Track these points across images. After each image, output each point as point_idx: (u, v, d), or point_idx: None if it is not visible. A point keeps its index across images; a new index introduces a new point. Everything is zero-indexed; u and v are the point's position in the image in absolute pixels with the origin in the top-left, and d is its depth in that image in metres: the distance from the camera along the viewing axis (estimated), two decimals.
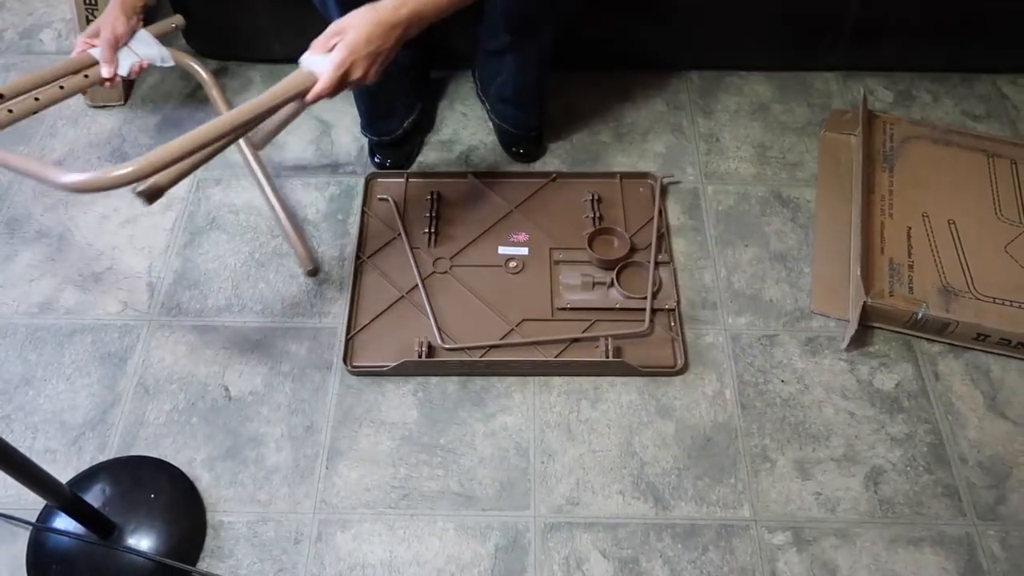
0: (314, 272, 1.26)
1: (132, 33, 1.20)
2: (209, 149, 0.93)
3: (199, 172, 1.41)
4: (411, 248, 1.29)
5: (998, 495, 1.08)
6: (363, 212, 1.34)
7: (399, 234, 1.31)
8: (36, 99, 1.12)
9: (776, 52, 1.54)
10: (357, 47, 0.91)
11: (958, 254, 1.24)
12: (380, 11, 0.91)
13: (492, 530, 1.05)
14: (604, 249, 1.28)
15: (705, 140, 1.46)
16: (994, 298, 1.19)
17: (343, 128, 1.47)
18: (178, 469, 1.09)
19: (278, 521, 1.06)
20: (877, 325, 1.22)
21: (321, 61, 0.92)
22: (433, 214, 1.33)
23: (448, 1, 0.95)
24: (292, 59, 1.60)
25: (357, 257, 1.28)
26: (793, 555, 1.04)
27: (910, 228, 1.28)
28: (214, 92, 1.38)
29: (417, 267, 1.27)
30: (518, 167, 1.42)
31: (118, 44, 1.18)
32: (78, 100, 1.52)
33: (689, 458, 1.11)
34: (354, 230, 1.32)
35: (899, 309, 1.18)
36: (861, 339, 1.21)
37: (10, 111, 1.09)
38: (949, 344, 1.21)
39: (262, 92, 0.96)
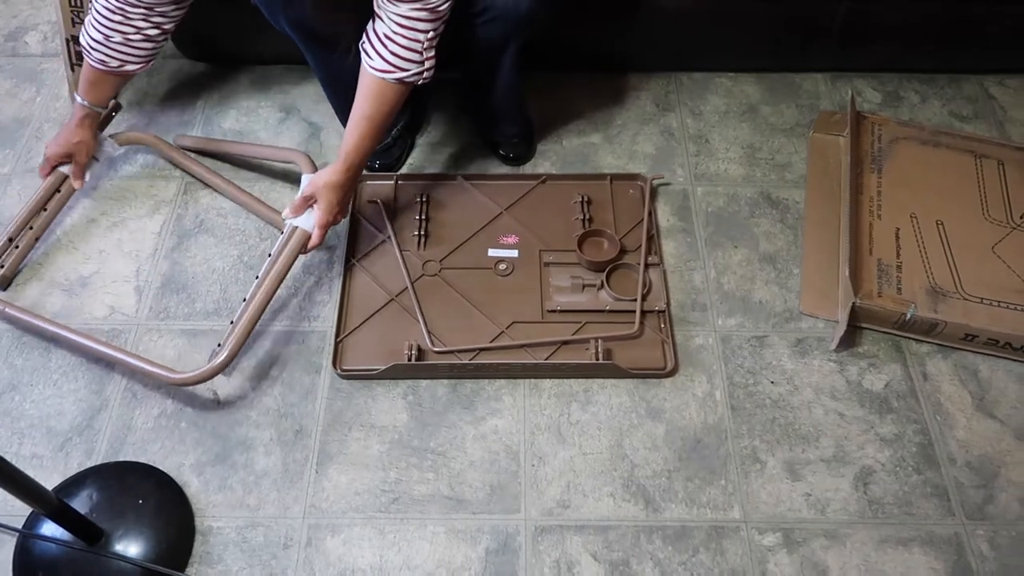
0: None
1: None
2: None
3: (187, 176, 1.40)
4: (401, 251, 1.28)
5: (986, 495, 1.08)
6: (353, 215, 1.33)
7: (388, 237, 1.30)
8: (31, 227, 1.29)
9: (765, 54, 1.54)
10: (331, 206, 1.17)
11: (946, 255, 1.25)
12: (335, 175, 1.16)
13: (483, 533, 1.05)
14: (594, 251, 1.28)
15: (694, 142, 1.46)
16: (982, 298, 1.20)
17: (332, 130, 1.46)
18: (166, 474, 1.08)
19: (267, 526, 1.06)
20: (866, 326, 1.23)
21: (307, 219, 1.17)
22: (423, 216, 1.32)
23: (376, 136, 1.16)
24: (278, 60, 1.59)
25: (347, 260, 1.28)
26: (783, 556, 1.04)
27: (898, 229, 1.28)
28: (172, 154, 1.41)
29: (407, 270, 1.26)
30: (508, 169, 1.42)
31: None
32: (64, 101, 1.52)
33: (679, 460, 1.11)
34: (344, 233, 1.32)
35: (888, 310, 1.19)
36: (850, 340, 1.21)
37: (16, 246, 1.28)
38: (938, 344, 1.21)
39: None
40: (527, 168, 1.42)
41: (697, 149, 1.45)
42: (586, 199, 1.35)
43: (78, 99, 1.28)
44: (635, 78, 1.55)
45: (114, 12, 1.17)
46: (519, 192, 1.37)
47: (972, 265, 1.23)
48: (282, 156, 1.35)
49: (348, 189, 1.19)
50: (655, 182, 1.38)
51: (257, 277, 1.18)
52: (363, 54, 1.10)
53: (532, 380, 1.18)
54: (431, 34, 1.07)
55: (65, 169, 1.31)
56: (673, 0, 1.42)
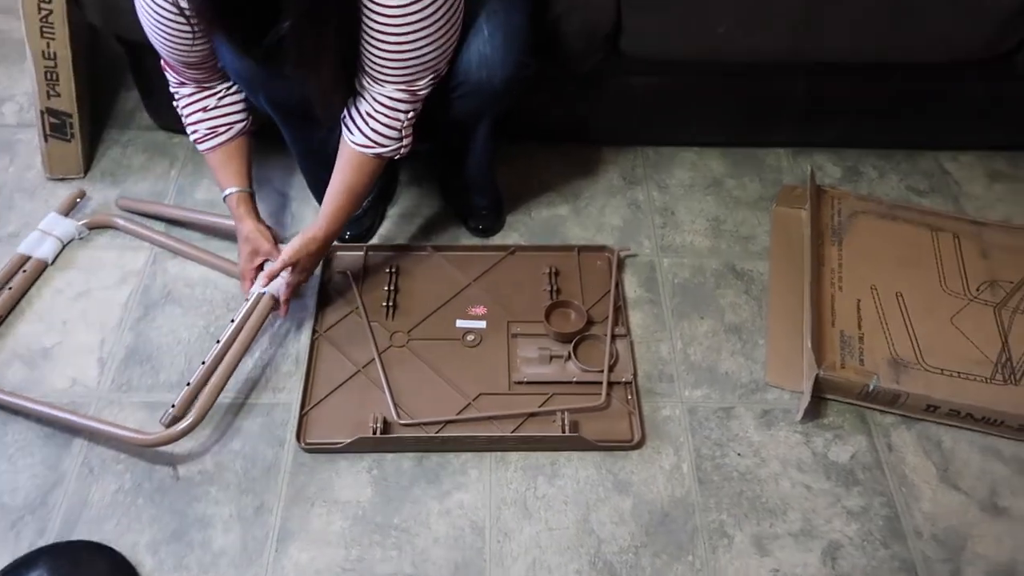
0: None
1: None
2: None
3: (156, 247, 1.40)
4: (369, 322, 1.28)
5: (953, 568, 1.08)
6: (321, 285, 1.34)
7: (357, 307, 1.31)
8: (10, 288, 1.32)
9: (728, 129, 1.59)
10: (304, 271, 1.23)
11: (906, 326, 1.27)
12: (313, 242, 1.20)
13: None
14: (561, 322, 1.29)
15: (661, 214, 1.49)
16: (942, 369, 1.21)
17: (303, 202, 1.48)
18: (120, 554, 1.05)
19: None
20: (830, 397, 1.24)
21: (274, 284, 1.22)
22: (392, 287, 1.33)
23: (353, 205, 1.20)
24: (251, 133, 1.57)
25: (313, 332, 1.28)
26: None
27: (859, 300, 1.31)
28: (139, 230, 1.42)
29: (375, 341, 1.26)
30: (477, 240, 1.43)
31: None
32: (37, 171, 1.52)
33: (647, 535, 1.10)
34: (312, 304, 1.32)
35: (851, 381, 1.20)
36: (815, 411, 1.22)
37: None
38: (901, 415, 1.22)
39: None
40: (496, 239, 1.44)
41: (663, 221, 1.48)
42: (554, 270, 1.36)
43: (225, 194, 1.26)
44: (603, 151, 1.59)
45: (188, 95, 1.22)
46: (488, 263, 1.38)
47: (932, 336, 1.26)
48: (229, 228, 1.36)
49: (321, 255, 1.24)
50: (622, 254, 1.40)
51: (218, 341, 1.18)
52: (344, 129, 1.14)
53: (499, 453, 1.17)
54: (411, 114, 1.11)
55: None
56: (639, 77, 1.47)
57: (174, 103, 1.25)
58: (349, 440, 1.14)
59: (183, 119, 1.25)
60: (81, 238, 1.41)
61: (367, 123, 1.11)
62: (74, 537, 1.07)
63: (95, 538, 1.07)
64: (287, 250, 1.19)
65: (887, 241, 1.40)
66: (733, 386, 1.26)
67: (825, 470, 1.17)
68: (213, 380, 1.15)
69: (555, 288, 1.34)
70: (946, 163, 1.60)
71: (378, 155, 1.14)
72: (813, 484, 1.15)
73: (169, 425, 1.13)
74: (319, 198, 1.41)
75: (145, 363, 1.25)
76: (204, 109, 1.23)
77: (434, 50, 1.03)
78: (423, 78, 1.07)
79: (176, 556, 1.06)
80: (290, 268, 1.20)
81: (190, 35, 1.09)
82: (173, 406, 1.13)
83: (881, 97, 1.51)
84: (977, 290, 1.32)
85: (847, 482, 1.16)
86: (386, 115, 1.10)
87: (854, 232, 1.41)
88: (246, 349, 1.19)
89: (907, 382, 1.20)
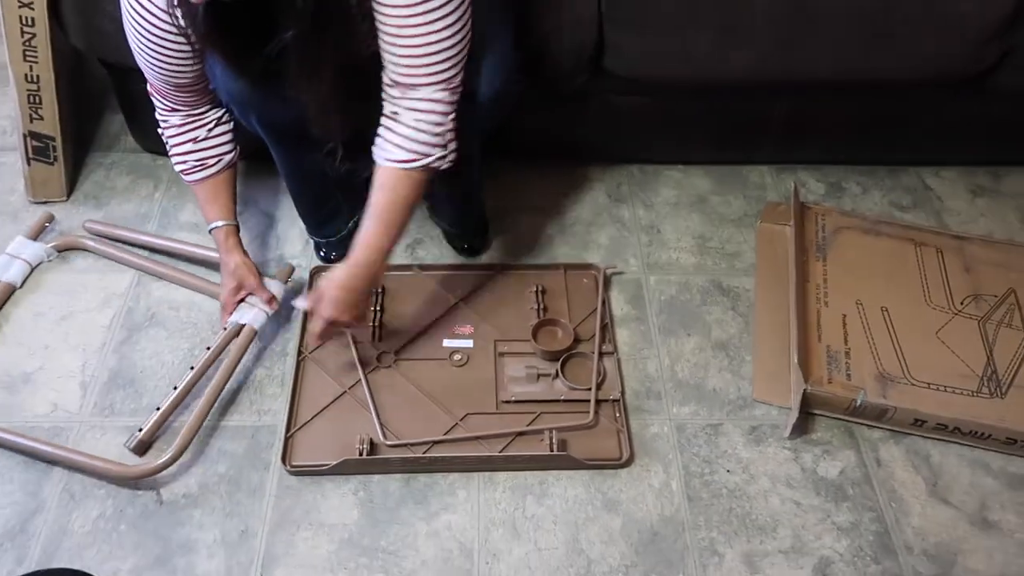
0: None
1: None
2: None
3: (142, 272, 1.40)
4: (355, 343, 1.27)
5: None
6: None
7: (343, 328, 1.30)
8: None
9: (712, 148, 1.60)
10: (335, 303, 1.14)
11: (892, 341, 1.27)
12: (343, 276, 1.13)
13: None
14: (548, 340, 1.29)
15: (646, 232, 1.50)
16: (928, 383, 1.22)
17: (289, 222, 1.47)
18: None
19: None
20: (818, 412, 1.23)
21: (255, 316, 1.25)
22: (378, 307, 1.32)
23: (391, 232, 1.11)
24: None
25: (299, 352, 1.27)
26: None
27: (845, 316, 1.31)
28: (109, 250, 1.41)
29: (360, 362, 1.25)
30: (463, 259, 1.43)
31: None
32: (19, 194, 1.51)
33: (636, 554, 1.09)
34: (297, 325, 1.31)
35: (838, 396, 1.20)
36: (803, 427, 1.22)
37: None
38: (889, 430, 1.22)
39: None
40: (483, 258, 1.44)
41: (649, 239, 1.49)
42: (541, 289, 1.36)
43: (211, 227, 1.25)
44: (588, 170, 1.60)
45: (177, 125, 1.20)
46: (474, 282, 1.38)
47: (918, 351, 1.26)
48: (204, 258, 1.37)
49: (357, 290, 1.14)
50: (609, 272, 1.40)
51: (192, 368, 1.18)
52: (379, 152, 1.06)
53: (487, 473, 1.16)
54: (451, 116, 1.05)
55: (252, 300, 1.26)
56: (623, 96, 1.48)
57: (160, 131, 1.22)
58: (335, 462, 1.13)
59: (169, 148, 1.22)
60: (50, 260, 1.39)
61: (407, 135, 1.04)
62: (54, 565, 1.05)
63: (76, 566, 1.05)
64: (318, 289, 1.16)
65: (871, 256, 1.41)
66: (721, 403, 1.25)
67: (814, 486, 1.16)
68: (196, 412, 1.15)
69: (542, 306, 1.34)
70: (928, 179, 1.62)
71: (424, 168, 1.05)
72: (803, 500, 1.15)
73: (136, 449, 1.13)
74: (308, 220, 1.41)
75: (128, 387, 1.24)
76: (194, 140, 1.20)
77: (455, 33, 0.99)
78: (455, 67, 1.01)
79: None
80: (325, 302, 1.13)
81: (187, 53, 1.06)
82: (140, 430, 1.13)
83: (862, 115, 1.52)
84: (961, 304, 1.33)
85: (837, 498, 1.15)
86: (427, 120, 1.03)
87: (838, 248, 1.42)
88: (226, 381, 1.20)
89: (894, 396, 1.20)
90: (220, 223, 1.25)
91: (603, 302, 1.34)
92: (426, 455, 1.15)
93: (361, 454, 1.14)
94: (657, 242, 1.48)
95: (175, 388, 1.17)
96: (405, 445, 1.16)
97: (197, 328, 1.31)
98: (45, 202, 1.50)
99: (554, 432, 1.17)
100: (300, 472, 1.14)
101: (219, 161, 1.23)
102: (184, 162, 1.22)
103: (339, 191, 1.35)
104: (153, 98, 1.19)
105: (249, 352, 1.25)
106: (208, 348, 1.21)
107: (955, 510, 1.14)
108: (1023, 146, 1.60)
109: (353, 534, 1.09)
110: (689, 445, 1.20)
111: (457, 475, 1.15)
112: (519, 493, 1.14)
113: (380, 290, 1.35)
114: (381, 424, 1.18)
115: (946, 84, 1.41)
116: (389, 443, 1.16)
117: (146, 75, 1.13)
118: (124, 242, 1.43)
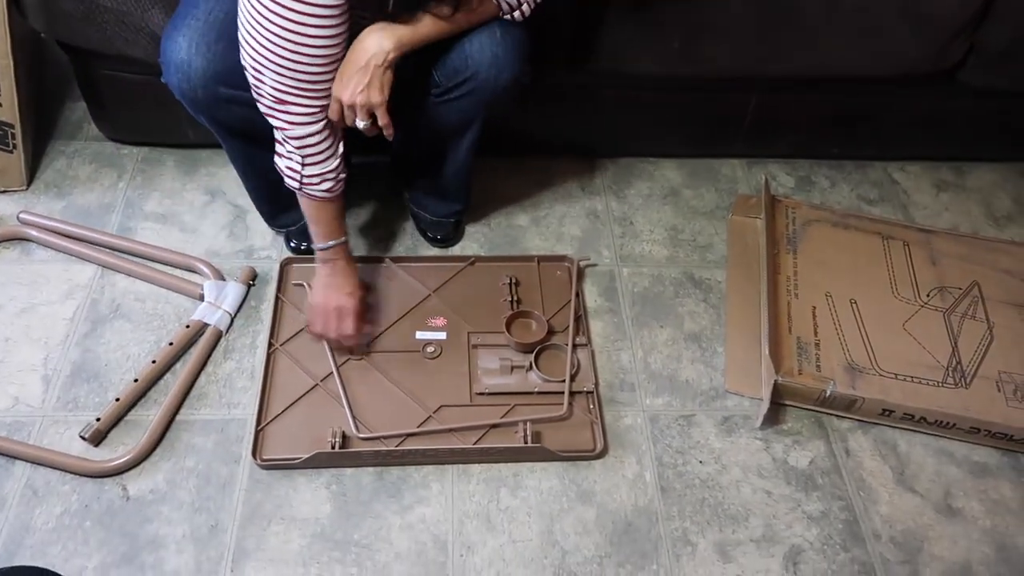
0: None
1: None
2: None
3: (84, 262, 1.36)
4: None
5: (911, 570, 1.09)
6: (277, 298, 1.31)
7: None
8: None
9: (684, 141, 1.61)
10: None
11: (861, 332, 1.29)
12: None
13: None
14: (522, 332, 1.28)
15: (619, 224, 1.50)
16: (896, 374, 1.24)
17: (258, 214, 1.45)
18: None
19: None
20: (789, 403, 1.25)
21: (221, 319, 1.25)
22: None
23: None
24: (205, 144, 1.57)
25: (269, 344, 1.25)
26: None
27: (815, 307, 1.33)
28: (46, 237, 1.38)
29: (332, 354, 1.24)
30: (436, 251, 1.42)
31: None
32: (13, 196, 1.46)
33: (611, 544, 1.09)
34: (267, 317, 1.29)
35: (808, 387, 1.22)
36: (774, 417, 1.23)
37: None
38: (858, 420, 1.24)
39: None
40: (456, 250, 1.43)
41: (622, 231, 1.49)
42: (514, 280, 1.36)
43: (339, 241, 1.18)
44: (561, 162, 1.59)
45: (330, 143, 1.07)
46: (447, 274, 1.37)
47: (885, 342, 1.28)
48: (177, 261, 1.35)
49: (327, 299, 1.21)
50: (582, 263, 1.40)
51: (154, 361, 1.18)
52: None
53: (461, 465, 1.15)
54: None
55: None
56: (597, 90, 1.47)
57: (299, 152, 1.04)
58: (307, 455, 1.11)
59: (316, 167, 1.07)
60: None
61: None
62: (15, 563, 1.02)
63: (39, 564, 1.02)
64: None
65: (840, 249, 1.42)
66: (693, 394, 1.26)
67: (785, 475, 1.18)
68: (163, 409, 1.15)
69: (515, 298, 1.33)
70: (894, 173, 1.64)
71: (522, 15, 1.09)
72: (774, 490, 1.16)
73: (91, 439, 1.12)
74: (262, 210, 1.39)
75: (92, 380, 1.21)
76: (344, 156, 1.10)
77: None
78: None
79: None
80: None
81: (344, 30, 0.96)
82: (98, 419, 1.12)
83: (832, 110, 1.54)
84: (927, 296, 1.36)
85: (807, 487, 1.17)
86: None
87: (808, 240, 1.43)
88: (194, 380, 1.21)
89: (862, 387, 1.21)
90: (343, 239, 1.19)
91: (576, 294, 1.34)
92: (399, 448, 1.14)
93: (333, 447, 1.12)
94: (630, 234, 1.48)
95: (135, 380, 1.15)
96: (378, 438, 1.15)
97: (163, 320, 1.29)
98: (4, 191, 1.46)
99: (528, 424, 1.17)
100: (271, 466, 1.13)
101: (342, 182, 1.13)
102: (339, 179, 1.10)
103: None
104: (294, 115, 1.02)
105: (219, 346, 1.23)
106: (171, 343, 1.19)
107: (921, 498, 1.17)
108: (986, 142, 1.64)
109: (325, 528, 1.08)
110: (662, 436, 1.21)
111: (431, 468, 1.15)
112: (493, 485, 1.14)
113: None
114: (354, 417, 1.17)
115: (913, 80, 1.43)
116: (362, 436, 1.15)
117: (296, 86, 0.98)
118: (62, 234, 1.38)
